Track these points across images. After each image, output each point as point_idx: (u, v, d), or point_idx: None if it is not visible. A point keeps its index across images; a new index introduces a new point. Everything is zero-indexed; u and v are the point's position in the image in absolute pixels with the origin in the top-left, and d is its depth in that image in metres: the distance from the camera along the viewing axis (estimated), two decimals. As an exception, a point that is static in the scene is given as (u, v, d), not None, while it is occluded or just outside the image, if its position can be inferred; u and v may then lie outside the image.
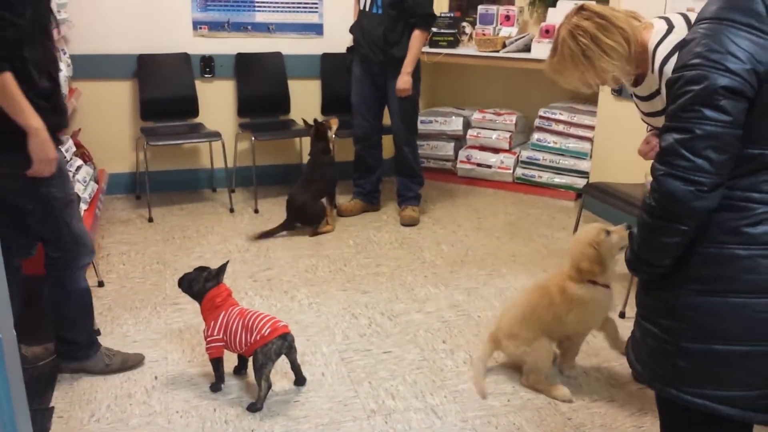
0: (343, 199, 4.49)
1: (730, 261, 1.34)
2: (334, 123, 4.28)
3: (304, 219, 4.08)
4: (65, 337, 2.54)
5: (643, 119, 2.23)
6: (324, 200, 4.20)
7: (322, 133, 4.20)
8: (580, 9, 1.88)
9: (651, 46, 1.90)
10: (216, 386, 2.51)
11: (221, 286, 2.53)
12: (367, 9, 4.10)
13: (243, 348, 2.42)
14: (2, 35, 2.01)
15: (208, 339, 2.45)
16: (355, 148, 4.47)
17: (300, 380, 2.55)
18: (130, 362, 2.64)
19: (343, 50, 4.67)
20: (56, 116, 2.27)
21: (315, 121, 4.25)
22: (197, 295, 2.52)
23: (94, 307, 2.60)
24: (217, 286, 2.51)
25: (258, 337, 2.35)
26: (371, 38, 4.09)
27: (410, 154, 4.35)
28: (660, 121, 2.06)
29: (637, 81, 2.01)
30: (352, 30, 4.27)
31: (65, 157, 2.35)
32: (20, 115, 2.09)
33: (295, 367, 2.54)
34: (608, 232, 2.36)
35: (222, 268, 2.55)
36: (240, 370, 2.60)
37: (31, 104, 2.12)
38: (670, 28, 1.90)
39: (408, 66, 4.05)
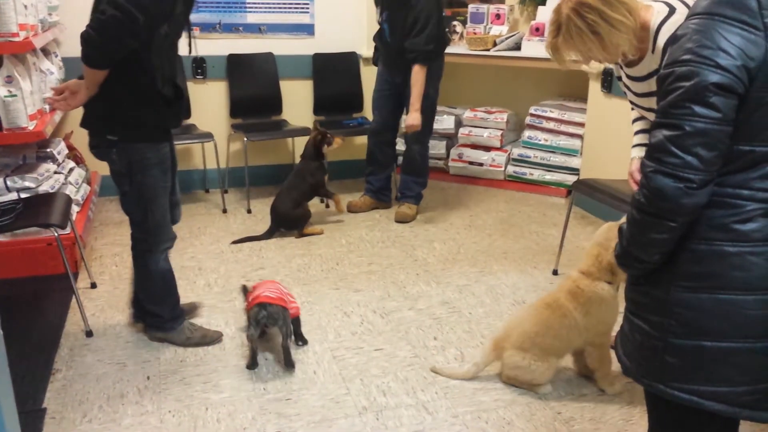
0: (353, 197, 4.52)
1: (719, 258, 1.35)
2: (338, 143, 4.21)
3: (287, 225, 4.09)
4: (151, 310, 2.80)
5: (632, 101, 2.23)
6: (322, 200, 4.25)
7: (319, 143, 4.16)
8: None
9: (653, 26, 1.91)
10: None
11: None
12: (380, 22, 4.21)
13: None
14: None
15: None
16: (368, 142, 4.52)
17: (288, 362, 2.63)
18: (209, 338, 2.83)
19: (334, 50, 4.98)
20: (174, 120, 2.62)
21: (319, 129, 4.20)
22: None
23: (177, 285, 2.82)
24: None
25: (250, 298, 2.65)
26: (388, 52, 4.23)
27: (418, 153, 4.37)
28: (653, 101, 2.08)
29: (633, 62, 2.02)
30: (375, 39, 4.37)
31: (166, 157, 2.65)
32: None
33: (284, 347, 2.63)
34: None
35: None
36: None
37: (152, 107, 2.45)
38: (672, 9, 1.91)
39: (416, 103, 4.06)
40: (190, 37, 2.59)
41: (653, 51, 1.93)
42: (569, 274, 2.51)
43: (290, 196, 4.09)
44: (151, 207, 2.60)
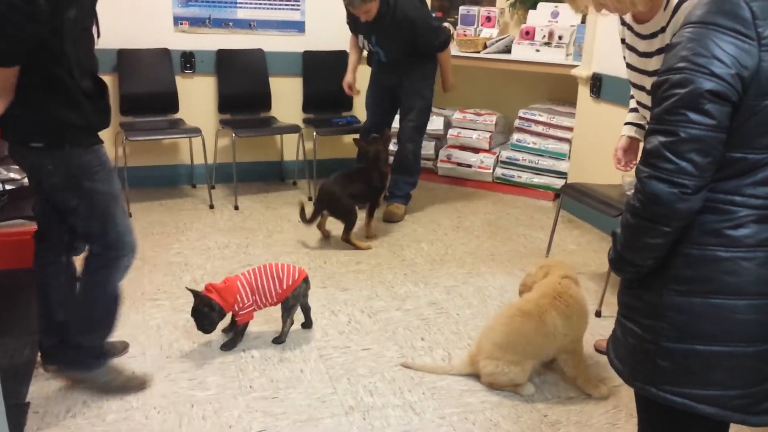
0: None
1: (712, 262, 1.36)
2: (388, 136, 4.20)
3: (333, 209, 3.89)
4: (74, 342, 2.39)
5: (630, 64, 2.23)
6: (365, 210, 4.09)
7: (382, 144, 4.09)
8: None
9: None
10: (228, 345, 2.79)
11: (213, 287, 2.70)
12: (371, 48, 4.25)
13: (275, 298, 2.75)
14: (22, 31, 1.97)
15: (240, 309, 2.69)
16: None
17: (308, 322, 2.94)
18: (133, 384, 2.48)
19: (324, 48, 4.96)
20: (100, 118, 2.25)
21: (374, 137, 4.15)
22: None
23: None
24: (210, 291, 2.68)
25: (291, 281, 2.75)
26: (385, 65, 4.30)
27: (411, 152, 4.38)
28: (649, 63, 2.09)
29: (643, 19, 2.03)
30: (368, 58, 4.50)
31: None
32: None
33: (306, 309, 2.93)
34: None
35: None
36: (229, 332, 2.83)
37: (73, 104, 2.13)
38: None
39: (450, 78, 4.42)
40: (97, 23, 2.28)
41: (665, 8, 1.94)
42: (556, 279, 2.52)
43: (341, 185, 3.88)
44: (109, 216, 2.29)
